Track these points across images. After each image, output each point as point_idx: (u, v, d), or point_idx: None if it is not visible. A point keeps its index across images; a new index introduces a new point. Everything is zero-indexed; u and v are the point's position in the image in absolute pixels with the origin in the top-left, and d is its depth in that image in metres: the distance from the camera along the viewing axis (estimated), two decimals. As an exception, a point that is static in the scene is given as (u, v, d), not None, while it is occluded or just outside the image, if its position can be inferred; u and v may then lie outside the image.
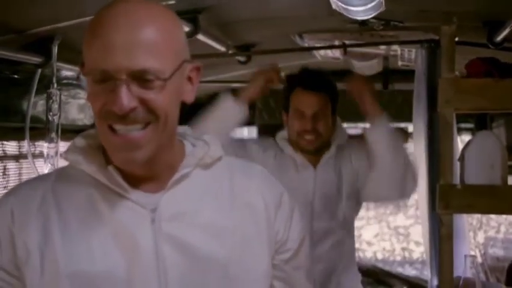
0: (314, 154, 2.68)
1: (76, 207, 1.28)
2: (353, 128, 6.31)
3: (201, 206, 1.32)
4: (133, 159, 1.23)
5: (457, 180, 2.37)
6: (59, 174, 1.35)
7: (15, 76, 2.45)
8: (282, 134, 2.77)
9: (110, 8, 1.23)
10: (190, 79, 1.31)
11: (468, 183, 2.32)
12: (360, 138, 2.76)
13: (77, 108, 3.09)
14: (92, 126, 3.34)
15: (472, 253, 4.14)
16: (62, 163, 1.38)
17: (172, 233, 1.27)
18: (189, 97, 1.31)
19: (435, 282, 2.71)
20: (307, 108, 2.62)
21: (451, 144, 2.33)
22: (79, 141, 1.33)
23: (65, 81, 2.72)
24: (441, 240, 2.37)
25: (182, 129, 1.37)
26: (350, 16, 2.05)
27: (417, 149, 2.98)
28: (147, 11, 1.24)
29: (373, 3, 1.82)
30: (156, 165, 1.28)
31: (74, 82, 2.80)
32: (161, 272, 1.26)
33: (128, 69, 1.19)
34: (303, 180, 2.65)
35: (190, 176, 1.32)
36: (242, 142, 2.80)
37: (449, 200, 2.29)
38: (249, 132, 5.98)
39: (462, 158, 2.33)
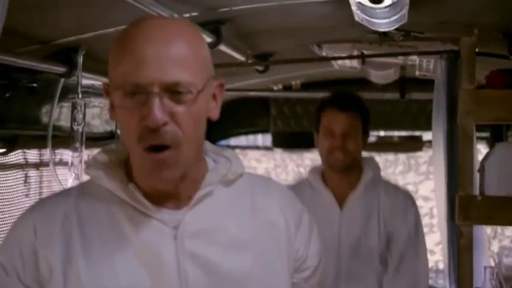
0: (344, 174, 2.69)
1: (98, 225, 1.29)
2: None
3: (222, 224, 1.32)
4: (165, 179, 1.24)
5: (476, 191, 2.37)
6: (81, 190, 1.35)
7: (34, 85, 2.47)
8: (316, 168, 2.79)
9: (139, 24, 1.24)
10: (214, 96, 1.32)
11: (488, 195, 2.32)
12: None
13: (91, 116, 3.11)
14: (110, 133, 3.34)
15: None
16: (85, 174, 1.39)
17: (195, 251, 1.28)
18: (214, 114, 1.32)
19: (453, 292, 2.70)
20: (337, 126, 2.63)
21: (470, 155, 2.32)
22: (101, 156, 1.33)
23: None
24: (461, 251, 2.36)
25: None
26: (373, 28, 2.06)
27: (436, 159, 2.98)
28: (177, 26, 1.26)
29: (397, 16, 1.83)
30: (183, 183, 1.29)
31: (90, 90, 2.81)
32: None
33: (161, 81, 1.19)
34: (328, 224, 2.64)
35: (213, 193, 1.33)
36: None
37: (468, 211, 2.29)
38: (263, 140, 5.98)
39: (482, 169, 2.32)
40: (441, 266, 5.73)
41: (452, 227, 2.59)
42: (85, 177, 1.38)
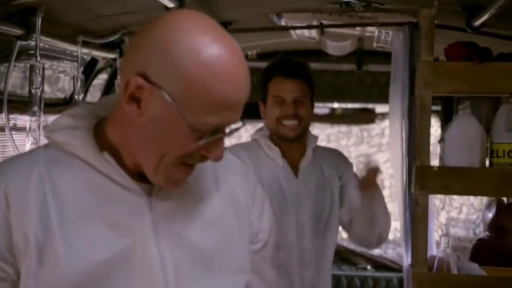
0: (294, 144, 2.65)
1: (74, 195, 1.24)
2: (320, 108, 6.37)
3: (191, 197, 1.33)
4: (182, 184, 1.28)
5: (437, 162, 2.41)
6: (48, 155, 1.28)
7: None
8: (263, 133, 2.70)
9: (225, 56, 1.17)
10: None
11: (444, 165, 2.36)
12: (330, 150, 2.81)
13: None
14: (64, 100, 3.24)
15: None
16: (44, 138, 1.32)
17: (167, 221, 1.28)
18: None
19: (409, 261, 2.75)
20: (288, 94, 2.57)
21: (428, 126, 2.36)
22: (66, 120, 1.28)
23: (31, 51, 2.66)
24: (416, 220, 2.41)
25: None
26: (337, -3, 2.05)
27: (392, 130, 3.01)
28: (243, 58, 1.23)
29: (363, -15, 1.83)
30: None
31: (42, 52, 2.74)
32: (163, 260, 1.26)
33: (232, 123, 1.22)
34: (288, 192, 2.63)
35: None
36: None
37: (425, 181, 2.33)
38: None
39: (443, 140, 2.36)
40: (391, 236, 5.84)
41: (411, 196, 2.63)
42: (44, 142, 1.32)
